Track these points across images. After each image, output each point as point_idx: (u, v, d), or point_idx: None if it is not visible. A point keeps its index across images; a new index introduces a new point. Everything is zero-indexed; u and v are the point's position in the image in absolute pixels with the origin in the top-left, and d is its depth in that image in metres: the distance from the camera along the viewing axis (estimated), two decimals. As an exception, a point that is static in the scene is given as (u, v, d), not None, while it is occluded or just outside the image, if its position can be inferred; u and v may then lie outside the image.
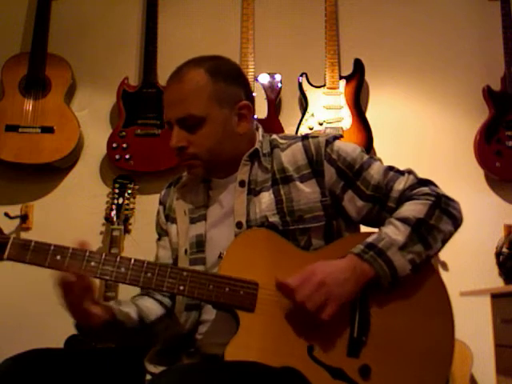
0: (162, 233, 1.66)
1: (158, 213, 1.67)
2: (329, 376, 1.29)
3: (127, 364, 1.46)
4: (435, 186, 1.47)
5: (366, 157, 1.50)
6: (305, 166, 1.48)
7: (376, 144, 3.09)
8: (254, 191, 1.48)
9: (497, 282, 3.02)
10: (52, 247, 1.34)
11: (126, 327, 1.46)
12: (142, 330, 1.51)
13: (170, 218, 1.62)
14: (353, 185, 1.47)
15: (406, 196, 1.44)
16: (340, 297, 1.31)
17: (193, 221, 1.53)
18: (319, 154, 1.48)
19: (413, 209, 1.40)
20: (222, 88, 1.46)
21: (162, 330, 1.54)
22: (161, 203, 1.67)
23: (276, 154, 1.52)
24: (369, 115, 3.17)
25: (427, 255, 1.38)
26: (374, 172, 1.47)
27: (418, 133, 3.27)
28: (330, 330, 1.32)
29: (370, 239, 1.37)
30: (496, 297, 2.38)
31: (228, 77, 1.49)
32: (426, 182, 1.47)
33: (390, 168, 1.49)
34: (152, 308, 1.55)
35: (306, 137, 1.53)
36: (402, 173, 1.48)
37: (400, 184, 1.45)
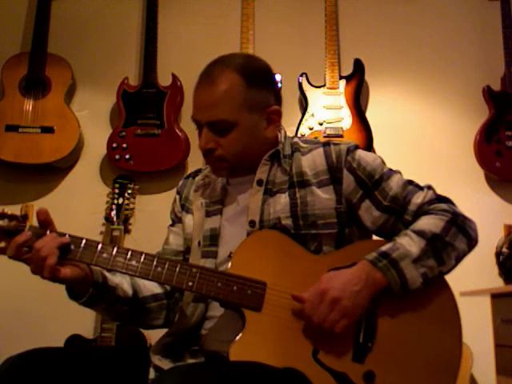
0: (175, 219, 1.67)
1: (175, 201, 1.69)
2: (332, 380, 1.29)
3: (127, 364, 1.47)
4: (453, 204, 1.46)
5: (386, 168, 1.50)
6: (324, 171, 1.48)
7: (376, 144, 3.09)
8: (270, 191, 1.49)
9: (497, 282, 3.02)
10: (67, 236, 1.37)
11: (117, 295, 1.47)
12: (134, 303, 1.52)
13: (186, 207, 1.63)
14: (371, 194, 1.46)
15: (423, 210, 1.43)
16: (354, 311, 1.31)
17: (208, 214, 1.54)
18: (339, 162, 1.48)
19: (429, 223, 1.39)
20: (255, 94, 1.46)
21: (156, 309, 1.56)
22: (178, 193, 1.69)
23: (296, 157, 1.52)
24: (369, 115, 3.17)
25: (440, 271, 1.37)
26: (393, 184, 1.46)
27: (418, 133, 3.27)
28: (336, 334, 1.31)
29: (384, 248, 1.37)
30: (496, 297, 2.38)
31: (261, 81, 1.49)
32: (445, 199, 1.46)
33: (410, 182, 1.48)
34: (148, 285, 1.55)
35: (327, 143, 1.53)
36: (421, 188, 1.48)
37: (418, 198, 1.45)
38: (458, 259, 1.40)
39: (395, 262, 1.34)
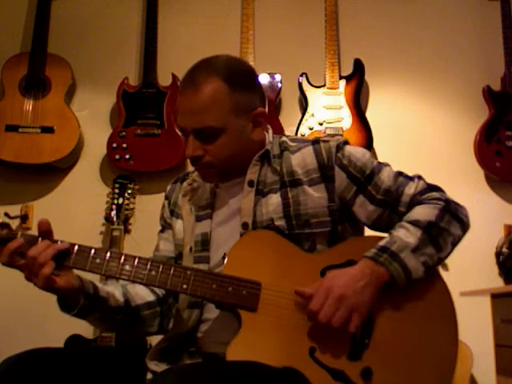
0: (165, 225, 1.66)
1: (163, 206, 1.67)
2: (330, 378, 1.29)
3: (127, 364, 1.46)
4: (444, 192, 1.48)
5: (375, 162, 1.50)
6: (314, 170, 1.48)
7: (376, 144, 3.09)
8: (261, 192, 1.48)
9: (497, 282, 3.03)
10: (58, 243, 1.36)
11: (109, 305, 1.46)
12: (127, 312, 1.51)
13: (175, 213, 1.62)
14: (364, 190, 1.46)
15: (416, 200, 1.44)
16: (362, 305, 1.31)
17: (198, 219, 1.53)
18: (330, 159, 1.47)
19: (423, 212, 1.41)
20: (239, 98, 1.44)
21: (149, 317, 1.54)
22: (166, 198, 1.67)
23: (286, 156, 1.51)
24: (369, 115, 3.17)
25: (439, 258, 1.38)
26: (385, 177, 1.47)
27: (418, 133, 3.27)
28: (333, 331, 1.31)
29: (382, 242, 1.37)
30: (496, 297, 2.38)
31: (244, 84, 1.47)
32: (436, 188, 1.48)
33: (400, 173, 1.49)
34: (141, 293, 1.54)
35: (316, 141, 1.53)
36: (411, 178, 1.49)
37: (410, 189, 1.46)
38: (454, 244, 1.41)
39: (395, 254, 1.34)
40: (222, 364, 1.27)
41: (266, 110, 1.52)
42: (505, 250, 3.00)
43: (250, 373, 1.22)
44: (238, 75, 1.47)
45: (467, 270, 3.01)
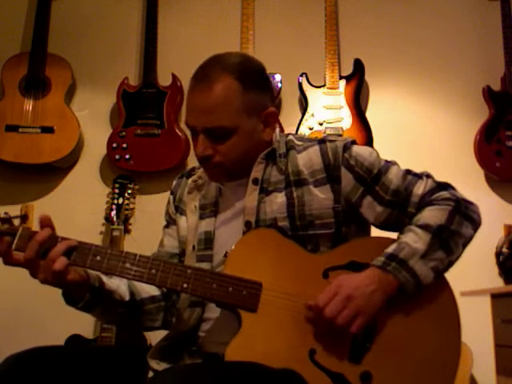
0: (170, 221, 1.65)
1: (168, 202, 1.66)
2: (329, 380, 1.28)
3: (128, 363, 1.46)
4: (454, 189, 1.46)
5: (383, 161, 1.48)
6: (320, 170, 1.46)
7: (376, 144, 3.08)
8: (266, 190, 1.46)
9: (497, 282, 3.02)
10: (59, 239, 1.36)
11: (114, 298, 1.46)
12: (132, 305, 1.51)
13: (180, 209, 1.61)
14: (372, 190, 1.45)
15: (425, 201, 1.42)
16: (368, 309, 1.30)
17: (202, 217, 1.52)
18: (336, 159, 1.46)
19: (433, 215, 1.39)
20: (252, 97, 1.43)
21: (153, 311, 1.55)
22: (172, 193, 1.66)
23: (291, 155, 1.50)
24: (369, 115, 3.17)
25: (449, 261, 1.37)
26: (393, 176, 1.45)
27: (418, 133, 3.27)
28: (334, 334, 1.31)
29: (389, 249, 1.35)
30: (496, 297, 2.38)
31: (257, 84, 1.45)
32: (446, 186, 1.46)
33: (408, 171, 1.47)
34: (146, 287, 1.54)
35: (323, 140, 1.51)
36: (420, 176, 1.46)
37: (419, 188, 1.44)
38: (465, 245, 1.40)
39: (404, 262, 1.33)
40: (221, 364, 1.27)
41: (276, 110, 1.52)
42: (505, 249, 3.00)
43: (249, 373, 1.22)
44: (251, 74, 1.45)
45: (467, 270, 3.00)
